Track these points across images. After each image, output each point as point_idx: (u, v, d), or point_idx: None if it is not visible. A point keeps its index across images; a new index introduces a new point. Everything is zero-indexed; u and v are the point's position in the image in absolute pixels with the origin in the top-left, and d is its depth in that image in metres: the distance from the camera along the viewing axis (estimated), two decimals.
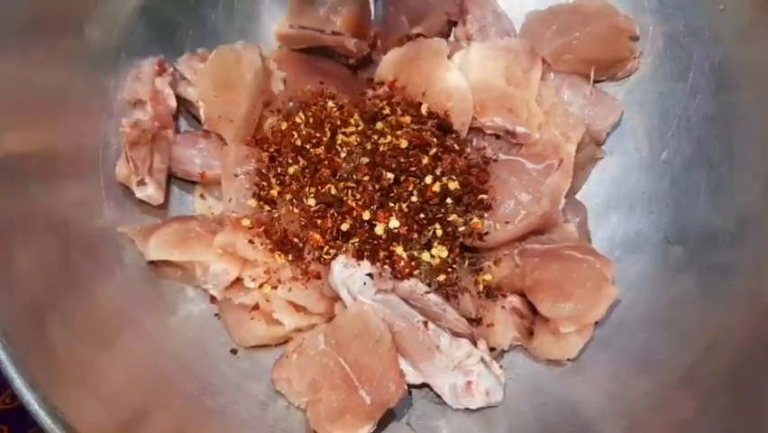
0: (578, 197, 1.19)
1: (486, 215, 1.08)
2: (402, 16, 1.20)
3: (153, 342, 1.05)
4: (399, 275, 1.02)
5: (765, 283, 0.96)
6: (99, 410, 0.90)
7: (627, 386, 1.01)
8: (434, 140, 1.08)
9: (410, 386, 1.03)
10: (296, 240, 1.07)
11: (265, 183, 1.11)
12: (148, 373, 1.00)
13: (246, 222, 1.08)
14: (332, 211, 1.06)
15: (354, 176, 1.07)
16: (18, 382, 0.83)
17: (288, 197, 1.09)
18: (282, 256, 1.06)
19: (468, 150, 1.13)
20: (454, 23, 1.24)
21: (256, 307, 1.07)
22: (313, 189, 1.07)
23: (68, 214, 1.04)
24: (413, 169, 1.06)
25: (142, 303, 1.08)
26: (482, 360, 1.02)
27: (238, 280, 1.08)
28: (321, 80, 1.18)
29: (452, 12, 1.22)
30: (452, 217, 1.06)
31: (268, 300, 1.06)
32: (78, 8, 1.06)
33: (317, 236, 1.05)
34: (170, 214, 1.18)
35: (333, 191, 1.06)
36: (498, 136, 1.12)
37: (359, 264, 1.02)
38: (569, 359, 1.06)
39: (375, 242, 1.04)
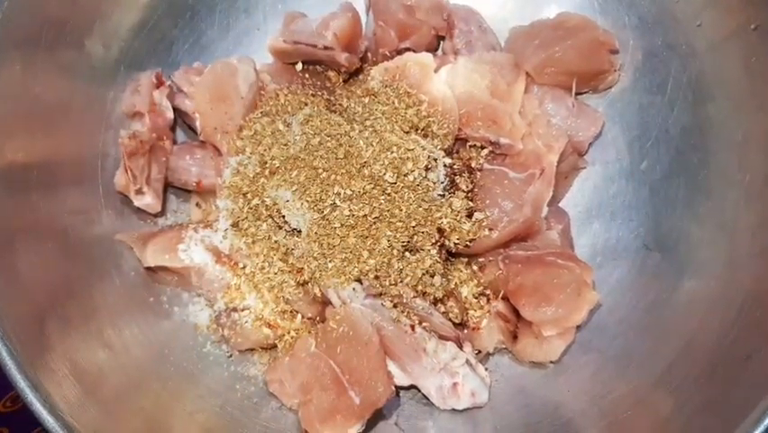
0: (561, 205, 1.22)
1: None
2: (391, 31, 1.22)
3: (150, 345, 1.08)
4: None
5: (738, 287, 0.99)
6: (98, 410, 0.93)
7: (607, 387, 1.04)
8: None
9: (398, 387, 1.06)
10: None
11: None
12: (145, 375, 1.04)
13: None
14: None
15: None
16: (22, 383, 0.86)
17: None
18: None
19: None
20: (442, 38, 1.28)
21: (251, 311, 1.10)
22: None
23: (69, 221, 1.06)
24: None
25: (140, 308, 1.11)
26: (468, 362, 1.05)
27: (232, 286, 1.12)
28: (312, 93, 1.21)
29: (439, 27, 1.25)
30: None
31: (262, 305, 1.10)
32: (79, 23, 1.09)
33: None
34: (167, 222, 1.21)
35: None
36: (482, 146, 1.15)
37: None
38: (552, 361, 1.10)
39: None
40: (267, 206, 1.09)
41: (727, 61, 1.08)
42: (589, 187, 1.24)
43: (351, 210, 1.04)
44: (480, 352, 1.12)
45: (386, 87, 1.15)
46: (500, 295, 1.11)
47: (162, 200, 1.18)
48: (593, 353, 1.09)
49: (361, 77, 1.26)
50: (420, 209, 1.06)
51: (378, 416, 1.05)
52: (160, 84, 1.19)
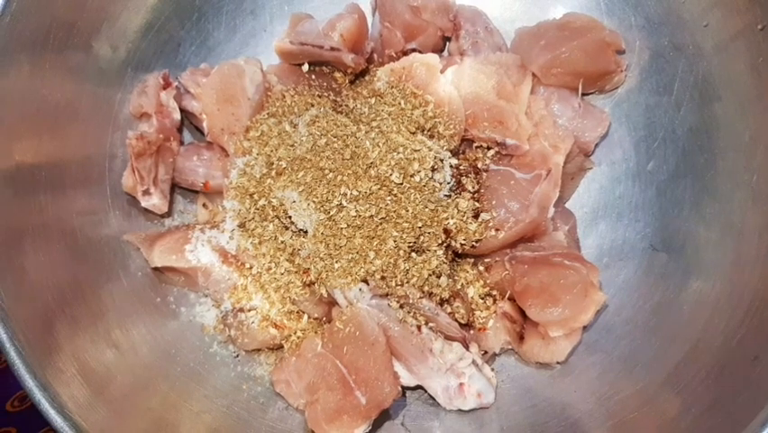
0: (567, 205, 1.22)
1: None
2: (397, 32, 1.23)
3: (157, 345, 1.08)
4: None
5: (745, 288, 0.99)
6: (105, 410, 0.93)
7: (614, 387, 1.04)
8: None
9: (404, 388, 1.06)
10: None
11: None
12: (152, 375, 1.04)
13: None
14: None
15: None
16: (30, 383, 0.87)
17: None
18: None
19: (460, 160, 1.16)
20: (448, 39, 1.28)
21: (257, 312, 1.11)
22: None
23: (76, 222, 1.07)
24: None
25: (147, 308, 1.11)
26: (474, 363, 1.05)
27: (239, 286, 1.12)
28: (319, 94, 1.22)
29: (445, 28, 1.25)
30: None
31: (269, 306, 1.10)
32: (87, 25, 1.09)
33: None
34: (174, 222, 1.22)
35: None
36: (489, 147, 1.15)
37: None
38: (558, 362, 1.10)
39: None
40: (273, 206, 1.09)
41: (734, 62, 1.08)
42: (595, 187, 1.24)
43: (357, 211, 1.05)
44: (486, 352, 1.12)
45: (392, 87, 1.16)
46: (507, 296, 1.11)
47: (169, 201, 1.19)
48: (600, 353, 1.09)
49: (367, 78, 1.26)
50: (426, 210, 1.06)
51: (384, 416, 1.05)
52: (167, 85, 1.19)
